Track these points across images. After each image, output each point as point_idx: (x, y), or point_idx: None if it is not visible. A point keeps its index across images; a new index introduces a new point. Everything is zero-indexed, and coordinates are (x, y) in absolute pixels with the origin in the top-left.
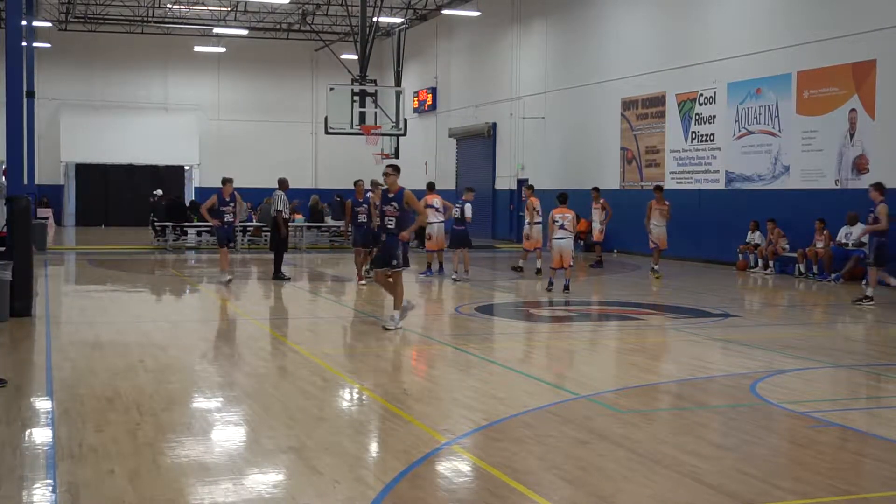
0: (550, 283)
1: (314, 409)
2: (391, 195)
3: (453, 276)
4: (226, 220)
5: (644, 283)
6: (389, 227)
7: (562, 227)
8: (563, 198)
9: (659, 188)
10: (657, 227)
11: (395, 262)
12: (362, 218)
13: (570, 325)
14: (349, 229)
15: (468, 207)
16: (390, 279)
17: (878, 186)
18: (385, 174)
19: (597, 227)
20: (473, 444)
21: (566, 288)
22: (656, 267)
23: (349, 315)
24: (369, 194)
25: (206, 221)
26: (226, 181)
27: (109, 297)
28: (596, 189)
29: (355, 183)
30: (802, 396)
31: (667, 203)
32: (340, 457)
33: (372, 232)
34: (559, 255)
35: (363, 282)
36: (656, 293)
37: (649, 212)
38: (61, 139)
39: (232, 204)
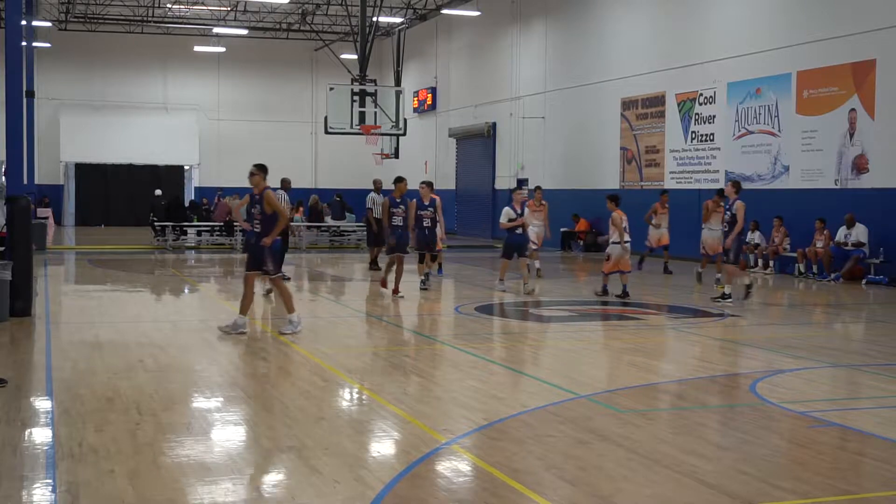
0: (605, 291)
1: (314, 409)
2: (257, 196)
3: (527, 288)
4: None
5: (644, 284)
6: (256, 230)
7: (624, 229)
8: (618, 199)
9: (721, 192)
10: (713, 231)
11: (266, 269)
12: (398, 220)
13: (570, 324)
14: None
15: (506, 212)
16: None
17: (736, 184)
18: (250, 174)
19: (664, 232)
20: (473, 444)
21: (625, 293)
22: (719, 276)
23: (349, 315)
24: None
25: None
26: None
27: (109, 297)
28: (665, 192)
29: (396, 181)
30: (802, 396)
31: (723, 206)
32: (340, 457)
33: (407, 236)
34: (619, 259)
35: (401, 293)
36: (657, 293)
37: (707, 214)
38: (61, 139)
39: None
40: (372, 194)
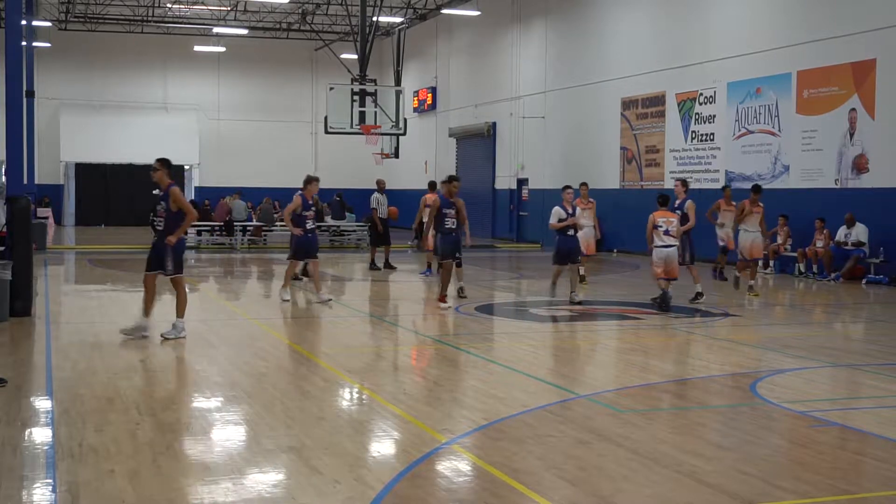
0: (663, 299)
1: (314, 409)
2: (161, 193)
3: (574, 297)
4: (308, 227)
5: (644, 284)
6: (159, 228)
7: (666, 232)
8: (664, 200)
9: (757, 189)
10: (749, 233)
11: (168, 268)
12: (450, 223)
13: (570, 324)
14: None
15: (556, 212)
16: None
17: (684, 182)
18: (153, 169)
19: (730, 231)
20: (473, 443)
21: (665, 301)
22: (752, 283)
23: (349, 315)
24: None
25: (291, 229)
26: (311, 180)
27: (109, 297)
28: (728, 186)
29: (449, 180)
30: (802, 396)
31: (761, 205)
32: (340, 457)
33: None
34: (663, 264)
35: (446, 304)
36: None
37: (741, 216)
38: (61, 139)
39: (314, 208)
40: (376, 194)
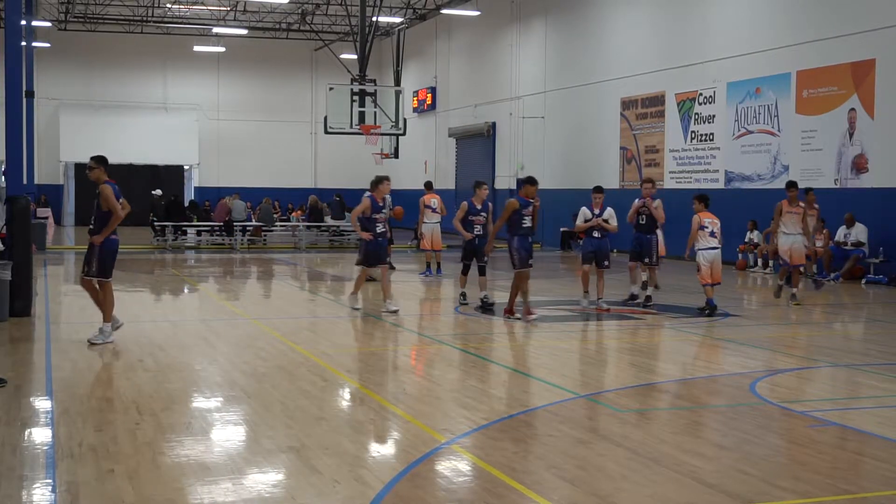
0: (711, 306)
1: (314, 409)
2: (97, 191)
3: (603, 304)
4: (378, 231)
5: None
6: (91, 227)
7: (712, 234)
8: (706, 199)
9: (793, 185)
10: (789, 236)
11: (86, 270)
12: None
13: (570, 324)
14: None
15: (583, 212)
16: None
17: (650, 181)
18: (88, 168)
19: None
20: (473, 443)
21: (713, 308)
22: (794, 291)
23: (349, 315)
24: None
25: (358, 233)
26: (381, 180)
27: None
28: (803, 188)
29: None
30: (802, 396)
31: (801, 205)
32: (340, 457)
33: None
34: (710, 268)
35: (534, 315)
36: (660, 295)
37: (778, 217)
38: (61, 139)
39: (385, 210)
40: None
